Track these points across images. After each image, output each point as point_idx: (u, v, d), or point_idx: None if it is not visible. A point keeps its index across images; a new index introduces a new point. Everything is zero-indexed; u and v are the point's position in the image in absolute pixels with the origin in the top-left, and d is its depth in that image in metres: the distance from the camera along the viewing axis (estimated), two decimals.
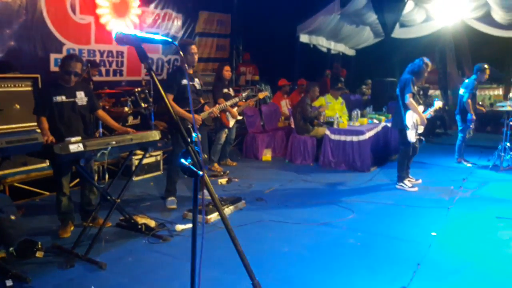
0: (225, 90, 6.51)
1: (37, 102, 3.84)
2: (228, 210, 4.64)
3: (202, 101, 5.06)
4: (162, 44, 1.42)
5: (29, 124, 5.05)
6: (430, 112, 5.82)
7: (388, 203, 5.08)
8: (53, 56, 6.48)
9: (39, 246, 3.50)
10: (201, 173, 1.43)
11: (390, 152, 7.62)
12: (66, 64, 3.81)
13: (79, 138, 3.32)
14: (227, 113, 6.42)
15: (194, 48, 4.70)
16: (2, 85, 5.15)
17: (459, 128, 7.10)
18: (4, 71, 5.44)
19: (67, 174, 3.97)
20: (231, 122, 6.55)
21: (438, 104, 5.99)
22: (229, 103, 5.89)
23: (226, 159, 7.02)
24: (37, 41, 6.31)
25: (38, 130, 3.85)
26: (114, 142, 3.50)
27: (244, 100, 6.36)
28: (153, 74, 1.44)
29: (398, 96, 5.53)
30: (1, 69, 5.48)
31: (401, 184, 5.70)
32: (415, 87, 5.46)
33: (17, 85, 5.19)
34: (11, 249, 3.40)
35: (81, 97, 3.97)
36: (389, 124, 7.47)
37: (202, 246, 1.49)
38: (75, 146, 3.20)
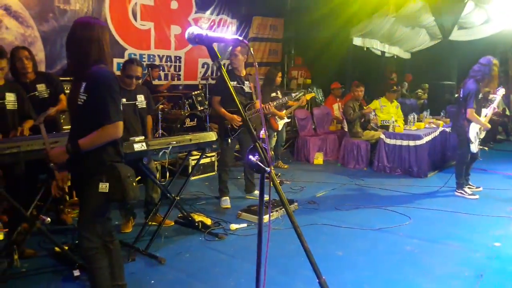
0: (273, 94, 6.54)
1: None
2: (280, 211, 4.66)
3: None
4: (233, 43, 1.46)
5: None
6: (495, 105, 5.54)
7: (447, 210, 4.89)
8: (115, 61, 6.82)
9: None
10: (268, 169, 1.46)
11: (448, 157, 7.32)
12: (127, 68, 4.01)
13: (142, 137, 3.48)
14: (276, 116, 6.47)
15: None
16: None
17: None
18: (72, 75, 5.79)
19: None
20: (280, 125, 6.60)
21: (501, 91, 5.65)
22: (274, 104, 5.86)
23: (277, 161, 7.06)
24: None
25: None
26: (174, 142, 3.64)
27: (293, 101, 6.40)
28: (224, 71, 1.49)
29: (461, 101, 5.33)
30: (69, 73, 5.84)
31: (461, 191, 5.47)
32: (481, 94, 5.25)
33: None
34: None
35: (141, 100, 4.18)
36: (447, 129, 7.20)
37: (268, 243, 1.53)
38: (139, 145, 3.36)
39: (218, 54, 1.47)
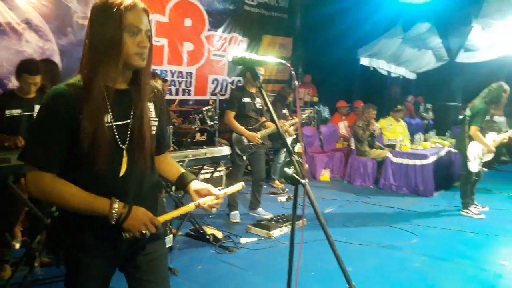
0: (284, 111, 6.69)
1: None
2: (288, 227, 4.73)
3: (261, 120, 5.18)
4: (277, 65, 1.58)
5: None
6: (506, 136, 5.58)
7: (453, 229, 4.96)
8: None
9: None
10: (303, 181, 1.56)
11: (454, 177, 7.41)
12: None
13: None
14: (285, 133, 6.60)
15: (260, 69, 4.96)
16: None
17: None
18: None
19: None
20: (289, 141, 6.71)
21: None
22: (288, 123, 6.00)
23: (280, 178, 7.15)
24: None
25: None
26: (191, 156, 3.75)
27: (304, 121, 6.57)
28: (263, 91, 1.60)
29: (467, 120, 5.44)
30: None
31: (466, 210, 5.55)
32: (488, 117, 5.37)
33: None
34: None
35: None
36: (453, 150, 7.30)
37: (299, 259, 1.61)
38: None
39: (259, 75, 1.59)
